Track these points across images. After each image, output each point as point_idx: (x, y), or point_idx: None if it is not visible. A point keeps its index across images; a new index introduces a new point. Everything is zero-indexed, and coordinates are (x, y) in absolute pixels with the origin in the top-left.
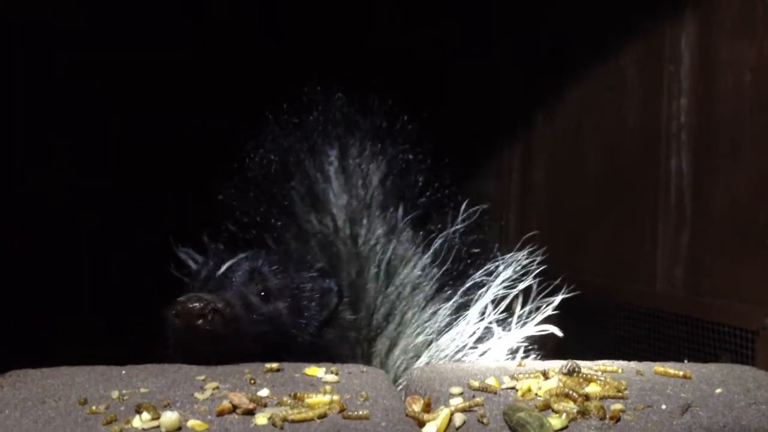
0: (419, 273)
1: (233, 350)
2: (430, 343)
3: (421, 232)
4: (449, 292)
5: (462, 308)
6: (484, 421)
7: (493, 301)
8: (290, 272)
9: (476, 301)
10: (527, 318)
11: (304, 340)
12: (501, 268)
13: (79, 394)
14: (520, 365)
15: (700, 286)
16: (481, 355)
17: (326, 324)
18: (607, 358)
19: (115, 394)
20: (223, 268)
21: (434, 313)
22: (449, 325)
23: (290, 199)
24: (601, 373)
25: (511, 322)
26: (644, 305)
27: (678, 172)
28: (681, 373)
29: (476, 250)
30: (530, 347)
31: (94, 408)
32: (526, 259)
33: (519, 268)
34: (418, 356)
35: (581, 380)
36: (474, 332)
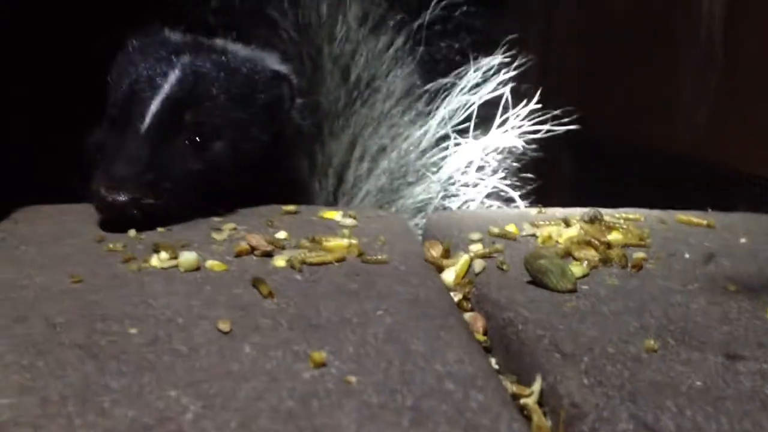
0: (383, 68)
1: (166, 219)
2: (387, 146)
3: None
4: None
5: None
6: (504, 267)
7: (460, 109)
8: (236, 84)
9: (438, 107)
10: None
11: (256, 164)
12: (471, 72)
13: (96, 232)
14: (540, 212)
15: (724, 131)
16: (437, 166)
17: (276, 141)
18: (629, 206)
19: (132, 232)
20: (148, 118)
21: (395, 117)
22: (407, 132)
23: None
24: (623, 221)
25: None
26: (666, 150)
27: (709, 14)
28: (704, 221)
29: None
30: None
31: (111, 246)
32: (502, 66)
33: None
34: (374, 165)
35: (603, 228)
36: (433, 142)
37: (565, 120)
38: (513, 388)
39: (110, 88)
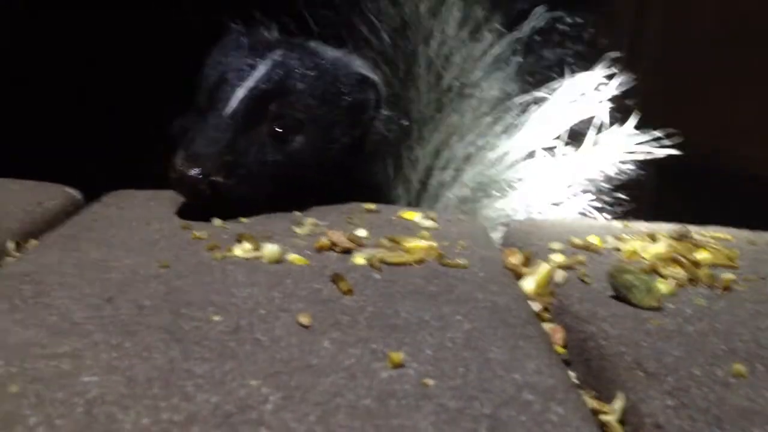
0: (478, 75)
1: (237, 203)
2: (474, 155)
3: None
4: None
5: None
6: (586, 280)
7: (552, 124)
8: (322, 82)
9: (530, 120)
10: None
11: (334, 164)
12: (567, 86)
13: (182, 219)
14: (625, 225)
15: None
16: (522, 181)
17: (358, 145)
18: (716, 226)
19: (217, 221)
20: (233, 104)
21: (485, 126)
22: (496, 142)
23: None
24: (712, 239)
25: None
26: (758, 171)
27: None
28: None
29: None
30: (620, 203)
31: (197, 234)
32: (603, 79)
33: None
34: (459, 174)
35: (691, 246)
36: (520, 155)
37: (664, 144)
38: (593, 403)
39: (202, 78)
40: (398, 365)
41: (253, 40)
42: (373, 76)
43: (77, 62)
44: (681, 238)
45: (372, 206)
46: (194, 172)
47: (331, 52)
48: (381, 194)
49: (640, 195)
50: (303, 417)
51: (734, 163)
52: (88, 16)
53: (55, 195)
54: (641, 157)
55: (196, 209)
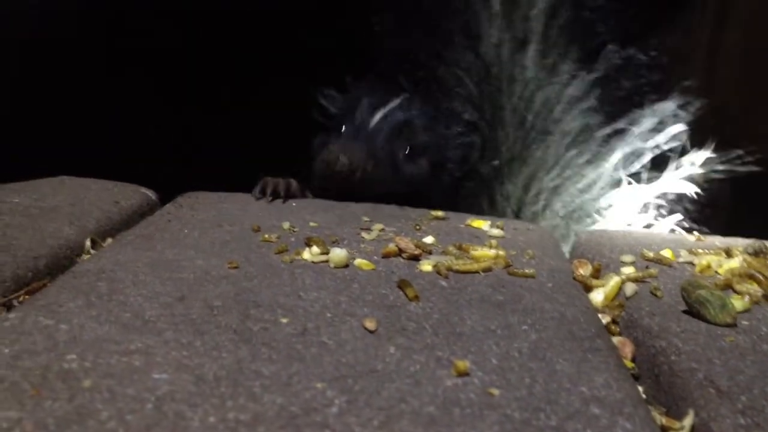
0: (560, 111)
1: (369, 198)
2: (560, 186)
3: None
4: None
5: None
6: (658, 294)
7: (633, 154)
8: (439, 126)
9: (613, 150)
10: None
11: (440, 195)
12: (646, 117)
13: (253, 221)
14: (698, 239)
15: None
16: (610, 208)
17: (464, 178)
18: None
19: (286, 224)
20: (376, 118)
21: (569, 159)
22: (580, 174)
23: (447, 33)
24: None
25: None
26: None
27: None
28: None
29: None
30: (692, 214)
31: (266, 236)
32: (679, 111)
33: (671, 121)
34: (549, 203)
35: (767, 262)
36: (607, 184)
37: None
38: (662, 420)
39: (336, 114)
40: (463, 373)
41: (381, 88)
42: (479, 121)
43: (161, 67)
44: (757, 253)
45: (440, 213)
46: (350, 160)
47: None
48: None
49: (715, 210)
50: (367, 422)
51: None
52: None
53: (131, 195)
54: (721, 176)
55: (265, 212)
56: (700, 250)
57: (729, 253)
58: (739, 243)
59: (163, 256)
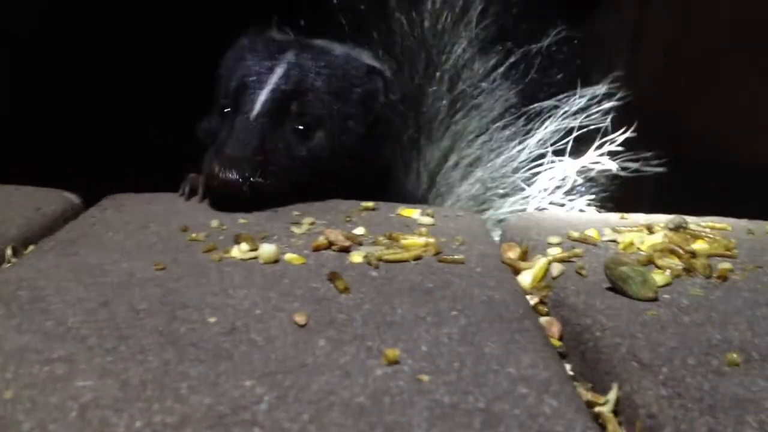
0: (486, 86)
1: (273, 200)
2: (482, 158)
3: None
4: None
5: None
6: (583, 273)
7: (558, 132)
8: (335, 78)
9: (539, 128)
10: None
11: (350, 155)
12: (575, 98)
13: (180, 221)
14: (622, 218)
15: None
16: (528, 179)
17: (371, 131)
18: (714, 216)
19: (215, 223)
20: (257, 107)
21: (493, 132)
22: (504, 147)
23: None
24: (710, 230)
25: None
26: (757, 161)
27: None
28: None
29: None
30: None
31: (194, 235)
32: (606, 95)
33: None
34: (467, 173)
35: (688, 236)
36: (528, 158)
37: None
38: (588, 395)
39: (219, 82)
40: (393, 362)
41: (266, 43)
42: (380, 66)
43: (75, 65)
44: (677, 228)
45: (370, 204)
46: (234, 176)
47: (339, 49)
48: (391, 183)
49: (640, 187)
50: (296, 416)
51: (733, 154)
52: (86, 17)
53: (54, 200)
54: (638, 161)
55: (193, 211)
56: (623, 228)
57: (651, 230)
58: (661, 219)
59: (87, 261)
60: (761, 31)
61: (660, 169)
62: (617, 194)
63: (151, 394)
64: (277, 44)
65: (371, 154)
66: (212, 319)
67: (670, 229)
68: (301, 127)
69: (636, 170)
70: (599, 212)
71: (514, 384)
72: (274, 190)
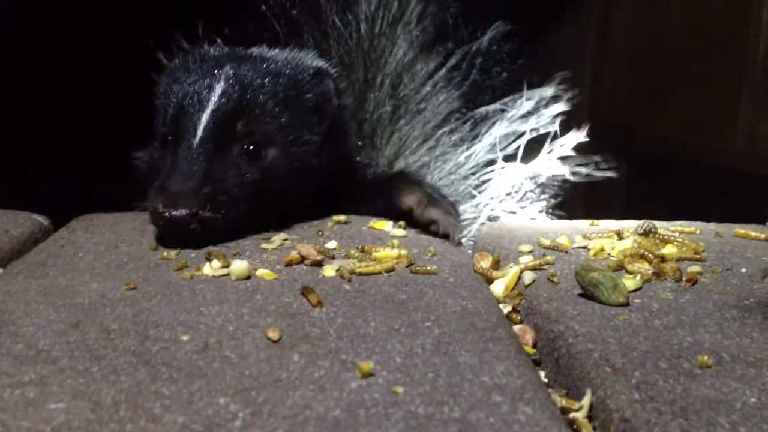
0: (429, 90)
1: (225, 232)
2: (429, 165)
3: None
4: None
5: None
6: (555, 280)
7: (508, 136)
8: (281, 87)
9: (485, 132)
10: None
11: (309, 168)
12: (522, 101)
13: (150, 240)
14: (592, 224)
15: None
16: (479, 186)
17: (327, 138)
18: (684, 219)
19: None
20: (199, 132)
21: (439, 138)
22: (451, 153)
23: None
24: (678, 234)
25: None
26: (724, 163)
27: None
28: (763, 235)
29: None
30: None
31: (165, 254)
32: (554, 96)
33: (544, 104)
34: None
35: (657, 241)
36: (478, 165)
37: (607, 167)
38: (562, 401)
39: (157, 107)
40: (368, 375)
41: (199, 60)
42: (326, 65)
43: (39, 90)
44: (647, 233)
45: (342, 218)
46: (181, 213)
47: (279, 55)
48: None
49: (611, 192)
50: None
51: (698, 155)
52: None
53: (22, 223)
54: (591, 166)
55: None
56: (593, 235)
57: (620, 236)
58: (630, 225)
59: (57, 283)
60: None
61: (612, 174)
62: (585, 200)
63: (124, 414)
64: (212, 59)
65: (330, 163)
66: (185, 338)
67: (640, 234)
68: (250, 148)
69: (588, 175)
70: (568, 219)
71: (488, 393)
72: (227, 223)
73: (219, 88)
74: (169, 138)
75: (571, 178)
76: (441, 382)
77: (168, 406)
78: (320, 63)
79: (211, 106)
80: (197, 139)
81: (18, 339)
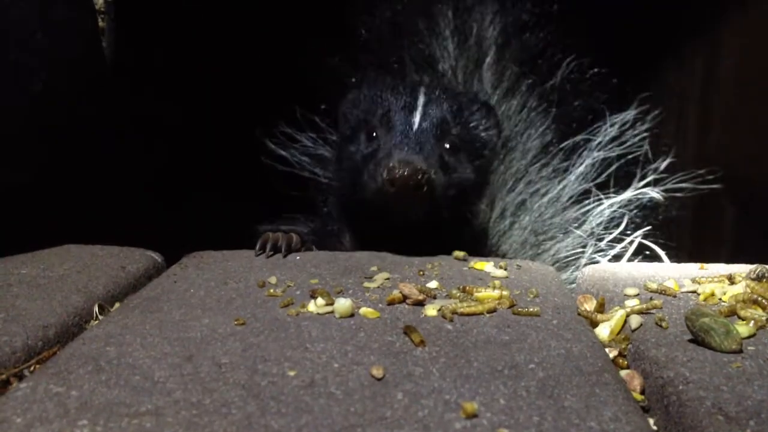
0: (518, 129)
1: (432, 213)
2: (525, 204)
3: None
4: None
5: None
6: (663, 324)
7: (596, 165)
8: (463, 111)
9: (575, 163)
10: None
11: (475, 184)
12: (606, 127)
13: (258, 277)
14: (701, 268)
15: None
16: (579, 221)
17: (486, 164)
18: None
19: (290, 282)
20: (417, 117)
21: (533, 173)
22: (546, 187)
23: (402, 62)
24: None
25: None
26: None
27: None
28: None
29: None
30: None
31: (272, 291)
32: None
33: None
34: (516, 220)
35: None
36: (572, 197)
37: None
38: None
39: (343, 120)
40: (472, 415)
41: (389, 84)
42: (490, 103)
43: (155, 128)
44: (760, 278)
45: (443, 258)
46: (412, 169)
47: (453, 89)
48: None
49: (719, 234)
50: None
51: None
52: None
53: (137, 259)
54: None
55: (269, 268)
56: (703, 279)
57: (732, 280)
58: (742, 269)
59: (170, 317)
60: None
61: (706, 187)
62: (692, 242)
63: None
64: (408, 84)
65: (477, 196)
66: (292, 373)
67: (752, 279)
68: (449, 149)
69: (693, 189)
70: (676, 262)
71: None
72: (438, 199)
73: (421, 100)
74: (376, 134)
75: (666, 199)
76: (547, 426)
77: None
78: (485, 99)
79: (420, 109)
80: (413, 130)
81: (135, 371)
